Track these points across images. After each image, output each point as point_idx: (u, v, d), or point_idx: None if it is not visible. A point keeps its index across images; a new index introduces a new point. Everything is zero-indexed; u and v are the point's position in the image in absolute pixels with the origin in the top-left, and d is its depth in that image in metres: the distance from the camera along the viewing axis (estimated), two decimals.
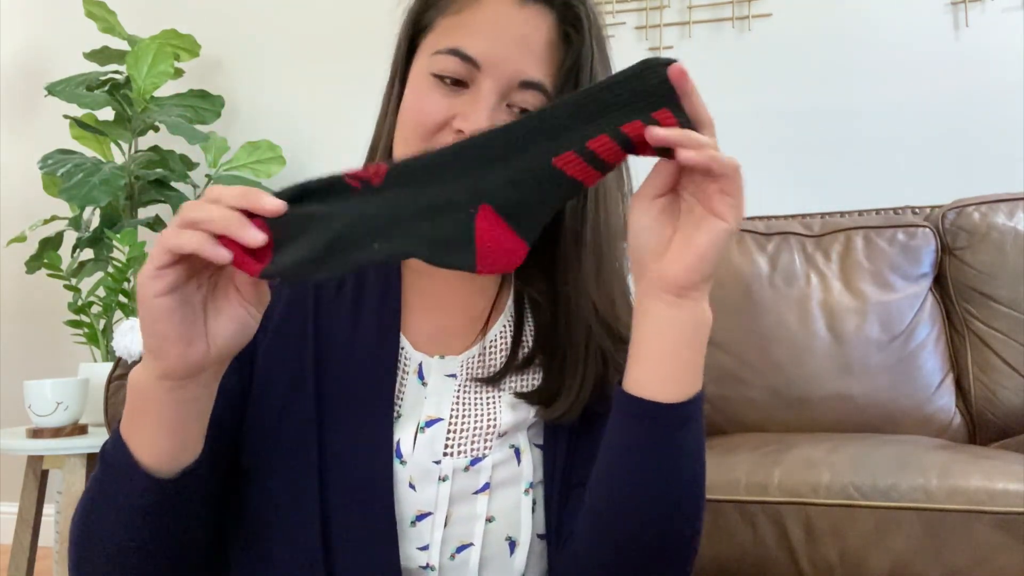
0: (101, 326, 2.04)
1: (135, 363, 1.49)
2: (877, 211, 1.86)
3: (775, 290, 1.72)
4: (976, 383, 1.65)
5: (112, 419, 1.47)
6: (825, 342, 1.66)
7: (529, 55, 0.69)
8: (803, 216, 1.89)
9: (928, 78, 2.02)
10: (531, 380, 0.75)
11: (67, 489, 1.75)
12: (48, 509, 2.05)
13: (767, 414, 1.65)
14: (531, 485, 0.72)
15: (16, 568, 1.88)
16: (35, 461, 1.89)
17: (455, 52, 0.69)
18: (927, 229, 1.74)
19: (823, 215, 1.89)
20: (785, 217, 1.89)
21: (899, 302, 1.68)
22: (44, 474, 1.90)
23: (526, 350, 0.76)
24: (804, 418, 1.62)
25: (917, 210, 1.83)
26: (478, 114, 0.68)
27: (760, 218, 1.89)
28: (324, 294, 0.76)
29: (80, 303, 2.02)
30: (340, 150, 2.33)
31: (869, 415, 1.60)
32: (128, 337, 1.51)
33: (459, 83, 0.70)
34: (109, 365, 1.72)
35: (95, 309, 2.04)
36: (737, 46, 2.15)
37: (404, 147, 0.72)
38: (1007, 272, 1.65)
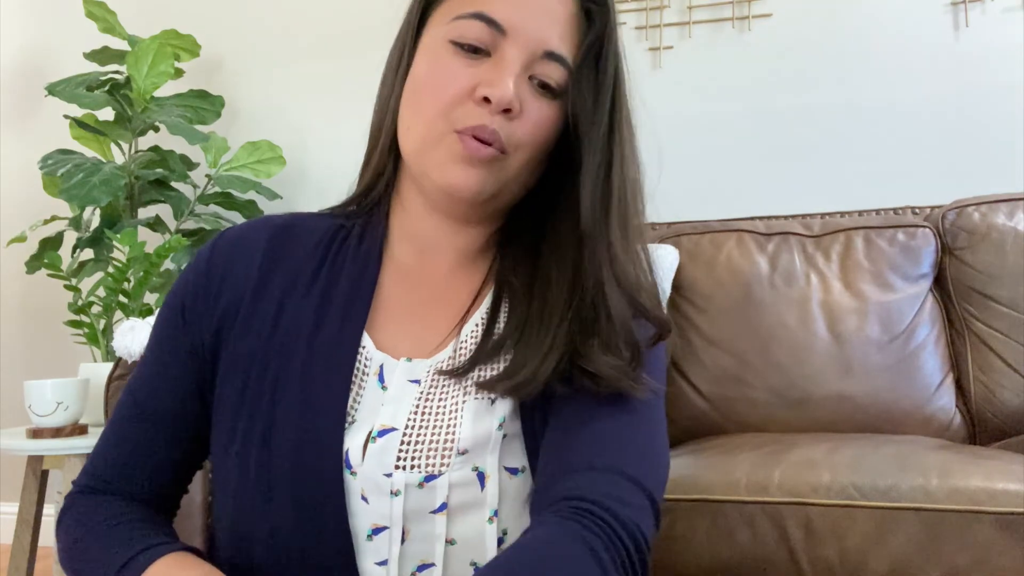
0: (101, 326, 2.04)
1: (135, 363, 1.49)
2: (877, 211, 1.86)
3: (775, 290, 1.72)
4: (976, 383, 1.65)
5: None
6: (825, 342, 1.66)
7: (554, 26, 0.67)
8: (803, 216, 1.89)
9: (928, 78, 2.02)
10: (501, 365, 0.69)
11: (67, 489, 1.75)
12: (48, 509, 2.05)
13: (767, 414, 1.65)
14: (495, 513, 0.66)
15: (16, 568, 1.88)
16: (35, 461, 1.89)
17: (480, 16, 0.66)
18: (927, 229, 1.74)
19: (823, 215, 1.89)
20: (785, 217, 1.89)
21: (899, 302, 1.68)
22: (44, 474, 1.90)
23: (496, 336, 0.70)
24: (804, 418, 1.62)
25: (917, 210, 1.83)
26: (504, 81, 0.64)
27: (760, 218, 1.89)
28: (297, 284, 0.72)
29: (80, 303, 2.02)
30: (340, 150, 2.34)
31: (869, 415, 1.60)
32: (128, 337, 1.51)
33: (480, 51, 0.66)
34: (109, 365, 1.71)
35: (95, 309, 2.04)
36: (737, 46, 2.15)
37: (418, 119, 0.68)
38: (1007, 272, 1.65)
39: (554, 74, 0.67)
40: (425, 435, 0.66)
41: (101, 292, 2.02)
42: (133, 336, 1.51)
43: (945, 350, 1.68)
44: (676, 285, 1.78)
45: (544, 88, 0.68)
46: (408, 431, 0.66)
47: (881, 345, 1.64)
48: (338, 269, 0.72)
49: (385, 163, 0.74)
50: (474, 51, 0.66)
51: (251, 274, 0.72)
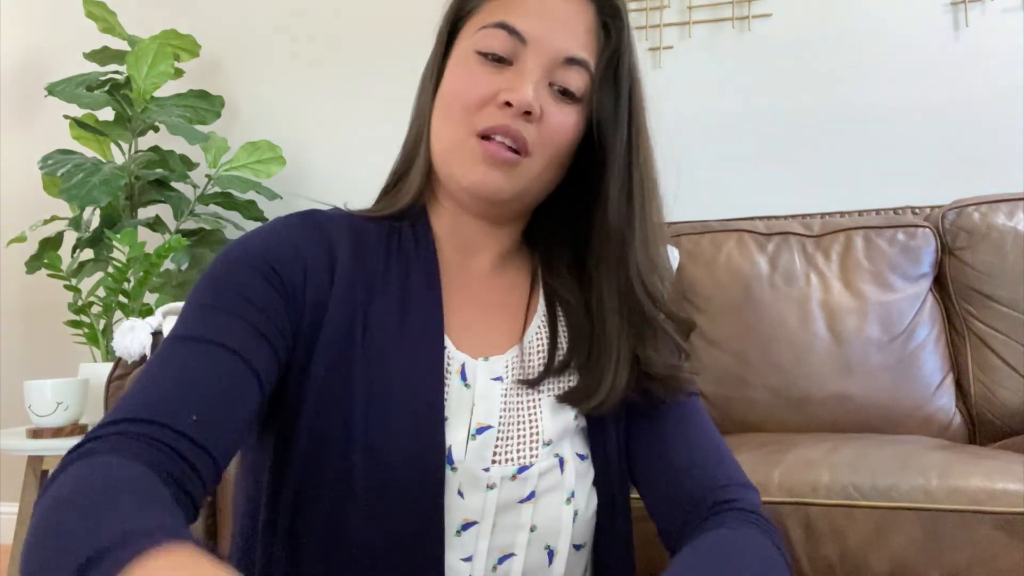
0: (101, 326, 2.04)
1: (135, 364, 1.49)
2: (877, 211, 1.86)
3: (775, 290, 1.72)
4: (976, 383, 1.64)
5: None
6: (825, 342, 1.66)
7: (573, 36, 0.72)
8: (803, 216, 1.89)
9: (928, 78, 2.02)
10: (567, 382, 0.76)
11: None
12: None
13: (767, 414, 1.65)
14: (572, 495, 0.72)
15: (16, 568, 1.88)
16: (35, 461, 1.89)
17: (502, 26, 0.71)
18: (927, 229, 1.74)
19: (823, 215, 1.89)
20: (785, 217, 1.89)
21: (899, 302, 1.68)
22: (44, 474, 1.90)
23: (562, 353, 0.76)
24: (804, 418, 1.62)
25: (917, 210, 1.83)
26: (524, 86, 0.69)
27: (760, 218, 1.89)
28: (376, 280, 0.72)
29: (80, 303, 2.02)
30: (340, 150, 2.34)
31: (869, 415, 1.60)
32: (128, 337, 1.51)
33: (504, 60, 0.71)
34: (109, 365, 1.72)
35: (95, 309, 2.04)
36: (737, 46, 2.15)
37: (447, 125, 0.73)
38: (1007, 272, 1.65)
39: (574, 80, 0.72)
40: (514, 430, 0.72)
41: (101, 292, 2.02)
42: (133, 336, 1.51)
43: (945, 350, 1.68)
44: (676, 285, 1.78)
45: (564, 94, 0.72)
46: (501, 427, 0.72)
47: (881, 345, 1.64)
48: (405, 269, 0.74)
49: (425, 172, 0.77)
50: (498, 60, 0.71)
51: (345, 262, 0.71)
